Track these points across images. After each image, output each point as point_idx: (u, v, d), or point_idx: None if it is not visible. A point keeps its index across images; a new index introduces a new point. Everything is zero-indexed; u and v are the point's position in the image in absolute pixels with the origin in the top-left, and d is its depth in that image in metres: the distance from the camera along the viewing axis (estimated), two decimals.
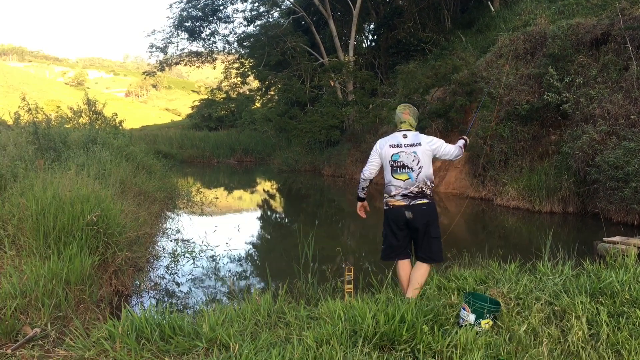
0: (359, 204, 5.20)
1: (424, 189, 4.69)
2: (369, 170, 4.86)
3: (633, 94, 11.89)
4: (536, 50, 15.02)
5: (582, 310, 4.05)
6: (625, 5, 13.26)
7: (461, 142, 4.93)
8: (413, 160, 4.65)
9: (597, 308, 4.12)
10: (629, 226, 10.28)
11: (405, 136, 4.73)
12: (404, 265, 4.84)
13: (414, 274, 4.73)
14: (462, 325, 3.89)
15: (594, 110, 12.18)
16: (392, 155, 4.70)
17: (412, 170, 4.65)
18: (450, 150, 4.84)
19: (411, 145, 4.68)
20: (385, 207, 4.81)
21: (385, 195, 4.81)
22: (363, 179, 4.92)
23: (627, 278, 4.64)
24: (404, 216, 4.66)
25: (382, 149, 4.77)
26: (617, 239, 7.53)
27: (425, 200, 4.69)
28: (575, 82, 13.02)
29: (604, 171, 10.96)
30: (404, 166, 4.65)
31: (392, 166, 4.70)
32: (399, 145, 4.70)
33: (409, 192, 4.65)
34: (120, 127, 17.02)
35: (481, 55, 18.29)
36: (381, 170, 4.90)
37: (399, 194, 4.68)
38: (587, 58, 13.33)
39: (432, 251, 4.76)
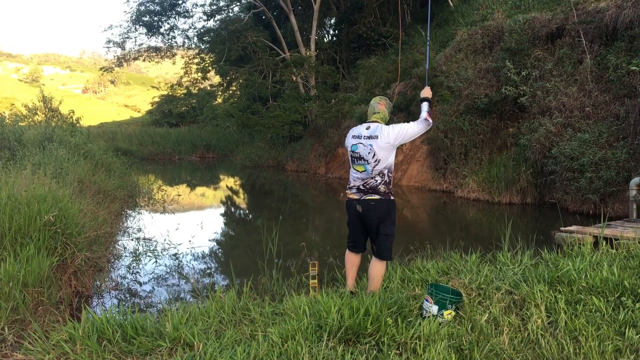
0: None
1: (378, 184, 4.60)
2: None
3: (587, 86, 12.23)
4: (494, 44, 15.30)
5: (541, 298, 4.15)
6: (578, 0, 13.60)
7: (424, 110, 4.79)
8: (369, 153, 4.57)
9: (555, 296, 4.22)
10: (584, 215, 10.58)
11: (367, 128, 4.66)
12: (350, 257, 4.91)
13: (370, 271, 4.77)
14: (425, 317, 3.94)
15: (550, 103, 12.49)
16: (352, 146, 4.67)
17: (368, 163, 4.58)
18: (415, 129, 4.68)
19: (369, 137, 4.60)
20: (346, 199, 4.85)
21: (348, 186, 4.82)
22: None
23: (584, 266, 4.77)
24: (356, 209, 4.66)
25: (347, 139, 4.79)
26: (573, 228, 7.75)
27: (376, 197, 4.60)
28: (531, 76, 13.32)
29: (560, 162, 11.25)
30: (360, 157, 4.60)
31: (351, 157, 4.69)
32: (359, 137, 4.66)
33: (363, 186, 4.62)
34: (78, 125, 16.63)
35: (440, 49, 18.51)
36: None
37: (355, 186, 4.67)
38: (543, 52, 13.65)
39: (380, 247, 4.72)
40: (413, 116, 17.28)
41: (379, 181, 4.61)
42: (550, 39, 13.79)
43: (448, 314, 3.95)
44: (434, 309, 3.97)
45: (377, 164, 4.57)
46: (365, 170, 4.59)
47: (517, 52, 13.83)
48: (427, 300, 4.06)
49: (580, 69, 12.71)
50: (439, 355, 3.24)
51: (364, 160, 4.58)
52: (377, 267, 4.73)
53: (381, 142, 4.57)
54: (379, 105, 4.82)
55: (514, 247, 6.00)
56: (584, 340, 3.55)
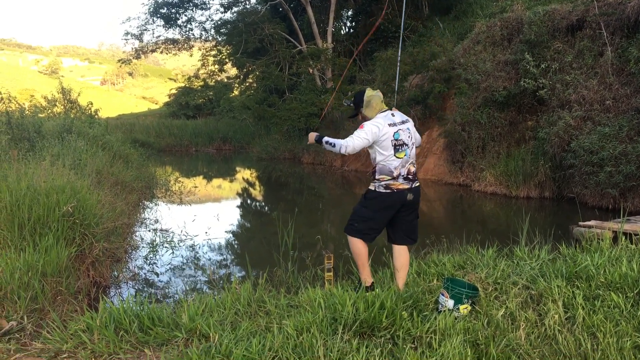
0: (313, 139, 4.69)
1: (415, 168, 4.64)
2: (357, 147, 4.43)
3: (608, 79, 12.05)
4: (513, 36, 15.10)
5: (559, 294, 4.11)
6: None
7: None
8: (409, 137, 4.56)
9: (573, 292, 4.18)
10: (603, 210, 10.46)
11: (393, 115, 4.58)
12: (366, 247, 4.70)
13: (405, 260, 4.68)
14: (441, 311, 3.92)
15: (569, 96, 12.32)
16: (395, 134, 4.46)
17: (408, 147, 4.54)
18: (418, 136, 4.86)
19: (403, 122, 4.58)
20: (383, 191, 4.48)
21: (381, 177, 4.49)
22: (343, 153, 4.44)
23: (602, 262, 4.72)
24: (405, 199, 4.49)
25: (382, 129, 4.43)
26: (592, 223, 7.66)
27: (418, 182, 4.65)
28: (551, 68, 13.14)
29: (579, 156, 11.11)
30: (403, 144, 4.49)
31: (394, 145, 4.45)
32: (394, 124, 4.51)
33: (408, 173, 4.51)
34: (96, 116, 16.74)
35: (458, 41, 18.34)
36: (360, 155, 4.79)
37: (400, 175, 4.47)
38: (563, 44, 13.45)
39: (416, 232, 4.73)
40: (430, 109, 17.20)
41: (415, 165, 4.66)
42: (571, 31, 13.58)
43: (464, 308, 3.93)
44: (450, 303, 3.96)
45: (412, 147, 4.60)
46: (406, 155, 4.50)
47: (537, 44, 13.65)
48: (442, 295, 4.04)
49: (600, 62, 12.51)
50: (454, 350, 3.22)
51: (406, 145, 4.51)
52: (409, 256, 4.75)
53: (411, 124, 4.68)
54: (380, 93, 4.73)
55: (532, 241, 5.95)
56: (602, 337, 3.52)
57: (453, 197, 14.08)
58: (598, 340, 3.51)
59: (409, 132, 4.58)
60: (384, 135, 4.43)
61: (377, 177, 4.52)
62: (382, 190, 4.49)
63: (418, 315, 3.73)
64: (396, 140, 4.46)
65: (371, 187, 4.56)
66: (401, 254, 4.66)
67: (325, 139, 4.52)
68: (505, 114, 14.24)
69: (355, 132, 4.44)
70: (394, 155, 4.45)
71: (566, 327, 3.72)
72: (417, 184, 4.59)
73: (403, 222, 4.62)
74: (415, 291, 4.28)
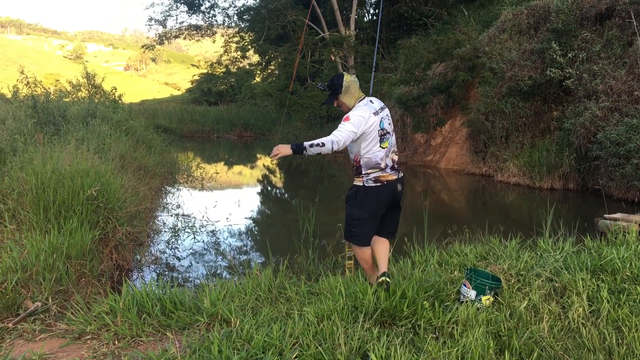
0: (289, 151, 4.06)
1: (397, 157, 4.28)
2: (347, 141, 3.95)
3: (637, 69, 11.78)
4: (539, 25, 14.84)
5: (583, 286, 4.06)
6: None
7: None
8: (389, 124, 4.21)
9: (597, 285, 4.13)
10: (629, 203, 10.28)
11: (372, 102, 4.20)
12: (383, 243, 4.26)
13: (385, 251, 4.25)
14: (462, 302, 3.89)
15: (596, 86, 12.08)
16: (380, 123, 4.10)
17: (391, 135, 4.20)
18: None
19: (382, 108, 4.20)
20: (373, 184, 4.08)
21: (370, 170, 4.08)
22: (336, 149, 3.93)
23: (628, 255, 4.64)
24: (396, 190, 4.15)
25: (368, 120, 4.01)
26: (618, 215, 7.53)
27: (402, 172, 4.29)
28: (578, 58, 12.90)
29: (605, 148, 10.91)
30: (386, 132, 4.14)
31: (380, 135, 4.09)
32: (376, 112, 4.10)
33: (392, 162, 4.16)
34: (120, 101, 16.89)
35: (484, 30, 18.08)
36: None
37: (387, 166, 4.12)
38: (591, 33, 13.18)
39: (397, 222, 4.40)
40: (453, 97, 17.01)
41: (397, 153, 4.30)
42: (599, 19, 13.29)
43: (486, 299, 3.90)
44: (472, 294, 3.92)
45: (393, 135, 4.26)
46: (389, 144, 4.15)
47: (564, 33, 13.39)
48: (465, 285, 4.01)
49: (629, 52, 12.23)
50: (476, 341, 3.20)
51: (389, 134, 4.17)
52: (388, 246, 4.32)
53: (387, 110, 4.32)
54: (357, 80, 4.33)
55: (555, 233, 5.87)
56: (627, 331, 3.46)
57: (475, 187, 13.95)
58: (623, 334, 3.45)
59: (389, 118, 4.24)
60: (371, 125, 4.04)
61: (364, 171, 4.11)
62: (372, 184, 4.09)
63: (440, 305, 3.70)
64: (381, 129, 4.10)
65: (358, 184, 4.13)
66: (385, 245, 4.28)
67: (308, 143, 3.94)
68: (530, 103, 14.04)
69: (341, 125, 3.99)
70: (379, 145, 4.09)
71: (590, 320, 3.66)
72: (402, 174, 4.26)
73: (388, 216, 4.25)
74: (437, 281, 4.25)
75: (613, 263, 4.46)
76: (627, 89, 11.61)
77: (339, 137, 3.90)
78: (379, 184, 4.09)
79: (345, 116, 4.07)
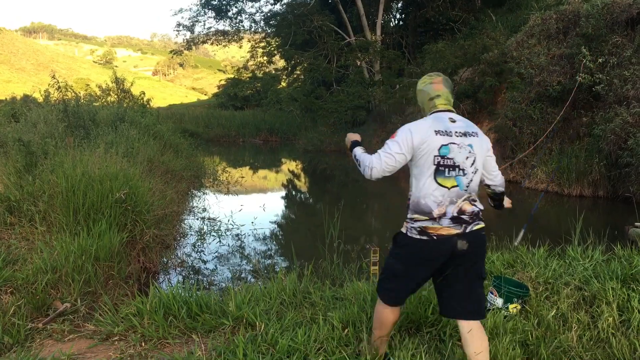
0: (349, 143, 3.39)
1: (474, 207, 2.95)
2: (386, 168, 2.91)
3: None
4: (569, 29, 14.64)
5: (613, 296, 3.98)
6: None
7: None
8: (467, 158, 2.93)
9: (628, 294, 4.04)
10: None
11: (452, 120, 2.99)
12: (394, 313, 3.06)
13: (482, 343, 2.91)
14: (489, 309, 3.85)
15: (627, 92, 11.87)
16: (442, 148, 2.87)
17: (464, 174, 2.92)
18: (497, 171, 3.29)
19: (464, 134, 2.96)
20: (416, 237, 2.88)
21: (416, 216, 2.89)
22: (368, 177, 2.99)
23: None
24: (453, 248, 2.85)
25: (425, 137, 2.86)
26: None
27: (482, 224, 2.98)
28: (609, 63, 12.68)
29: (636, 154, 10.70)
30: (454, 166, 2.89)
31: (437, 165, 2.87)
32: (447, 133, 2.91)
33: (461, 213, 2.88)
34: (148, 106, 17.13)
35: (512, 34, 17.90)
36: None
37: (444, 215, 2.85)
38: (622, 38, 12.95)
39: (482, 299, 3.04)
40: (480, 103, 16.85)
41: (476, 202, 3.00)
42: (630, 24, 13.06)
43: (514, 307, 3.85)
44: (499, 301, 3.88)
45: (474, 175, 2.98)
46: (456, 186, 2.89)
47: (594, 38, 13.19)
48: (491, 293, 3.97)
49: None
50: (503, 349, 3.16)
51: (459, 169, 2.91)
52: (484, 333, 2.97)
53: (483, 140, 3.10)
54: (435, 85, 3.11)
55: (585, 241, 5.77)
56: None
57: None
58: None
59: (472, 152, 2.95)
60: (421, 145, 2.87)
61: (409, 215, 2.95)
62: (414, 235, 2.89)
63: None
64: (442, 157, 2.87)
65: (402, 230, 3.01)
66: (473, 334, 2.91)
67: (355, 150, 3.21)
68: (558, 109, 13.85)
69: (384, 147, 2.98)
70: (435, 180, 2.87)
71: (620, 330, 3.59)
72: (478, 227, 2.94)
73: (458, 283, 2.95)
74: None
75: None
76: None
77: (374, 162, 2.93)
78: (424, 238, 2.86)
79: (396, 131, 3.04)
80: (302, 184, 18.15)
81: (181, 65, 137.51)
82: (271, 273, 5.19)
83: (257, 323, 3.59)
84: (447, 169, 2.88)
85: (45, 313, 4.07)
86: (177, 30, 32.10)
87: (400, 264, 2.97)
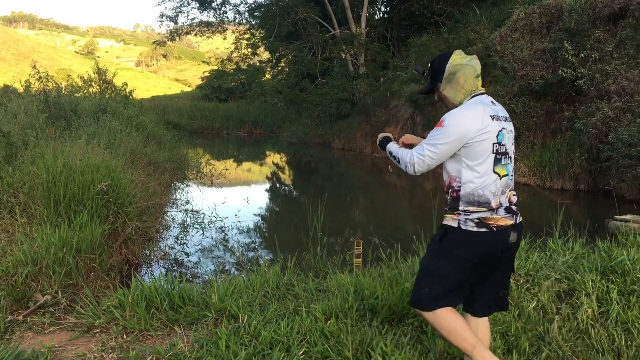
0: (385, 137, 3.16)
1: (515, 196, 2.80)
2: (431, 163, 2.68)
3: None
4: (552, 24, 14.76)
5: (592, 288, 4.03)
6: None
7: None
8: (512, 145, 2.76)
9: (607, 286, 4.10)
10: None
11: (494, 103, 2.76)
12: (452, 309, 2.72)
13: (487, 332, 2.91)
14: None
15: (609, 87, 12.01)
16: (499, 134, 2.65)
17: (511, 162, 2.75)
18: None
19: (506, 119, 2.76)
20: (474, 229, 2.62)
21: (471, 208, 2.64)
22: (410, 173, 2.77)
23: (639, 256, 4.60)
24: (507, 242, 2.66)
25: (484, 124, 2.60)
26: (629, 217, 7.47)
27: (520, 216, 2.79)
28: (590, 58, 12.81)
29: (617, 148, 10.84)
30: (505, 154, 2.69)
31: (496, 153, 2.64)
32: (498, 118, 2.68)
33: (510, 202, 2.71)
34: (131, 97, 16.97)
35: (495, 28, 18.02)
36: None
37: (501, 206, 2.65)
38: (604, 33, 13.09)
39: (508, 293, 2.92)
40: None
41: (514, 191, 2.82)
42: (612, 19, 13.20)
43: None
44: None
45: (513, 162, 2.80)
46: (506, 175, 2.70)
47: (577, 32, 13.32)
48: None
49: None
50: None
51: (508, 157, 2.72)
52: (488, 326, 2.95)
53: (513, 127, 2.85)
54: (477, 61, 2.83)
55: (565, 234, 5.84)
56: (636, 332, 3.45)
57: None
58: (632, 336, 3.43)
59: (512, 135, 2.77)
60: (481, 133, 2.59)
61: (462, 207, 2.66)
62: (472, 228, 2.62)
63: None
64: (499, 143, 2.65)
65: (450, 223, 2.70)
66: (479, 326, 2.87)
67: (389, 147, 2.99)
68: (541, 103, 13.97)
69: (428, 138, 2.70)
70: (493, 169, 2.64)
71: (599, 321, 3.65)
72: (520, 218, 2.76)
73: (494, 280, 2.80)
74: None
75: (623, 264, 4.42)
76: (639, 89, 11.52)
77: (416, 158, 2.70)
78: (483, 230, 2.61)
79: (440, 120, 2.69)
80: (286, 176, 18.13)
81: (164, 56, 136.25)
82: (254, 265, 5.19)
83: (240, 315, 3.59)
84: (503, 157, 2.67)
85: (26, 305, 4.02)
86: (161, 21, 31.93)
87: (450, 264, 2.66)
